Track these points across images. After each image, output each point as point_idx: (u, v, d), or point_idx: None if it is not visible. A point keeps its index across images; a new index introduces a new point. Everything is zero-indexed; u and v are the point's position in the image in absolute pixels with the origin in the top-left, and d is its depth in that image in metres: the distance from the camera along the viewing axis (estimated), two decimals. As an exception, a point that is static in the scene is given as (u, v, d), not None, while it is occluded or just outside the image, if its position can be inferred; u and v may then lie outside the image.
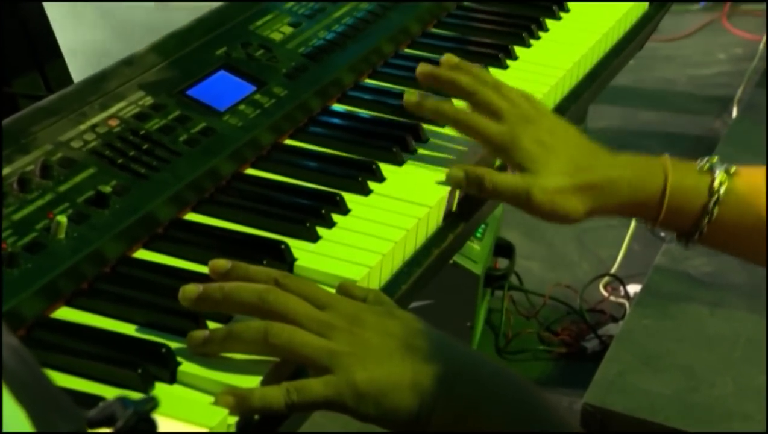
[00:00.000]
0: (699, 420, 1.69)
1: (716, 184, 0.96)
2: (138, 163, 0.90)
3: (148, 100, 0.97)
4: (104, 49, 1.45)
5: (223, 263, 0.81)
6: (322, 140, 1.04)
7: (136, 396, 0.68)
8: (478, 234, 2.08)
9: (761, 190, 0.97)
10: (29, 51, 1.11)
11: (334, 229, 0.91)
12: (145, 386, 0.74)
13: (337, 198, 0.94)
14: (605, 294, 2.27)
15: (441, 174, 0.99)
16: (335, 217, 0.92)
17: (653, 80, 3.18)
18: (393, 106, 1.07)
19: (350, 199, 0.95)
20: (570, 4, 1.33)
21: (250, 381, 0.75)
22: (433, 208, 0.95)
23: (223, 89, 1.01)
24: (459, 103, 1.01)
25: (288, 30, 1.12)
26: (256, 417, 0.76)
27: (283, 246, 0.87)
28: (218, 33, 1.08)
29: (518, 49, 1.22)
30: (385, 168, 0.99)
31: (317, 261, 0.87)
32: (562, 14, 1.31)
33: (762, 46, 3.14)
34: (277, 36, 1.10)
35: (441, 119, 1.02)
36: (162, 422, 0.70)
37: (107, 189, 0.87)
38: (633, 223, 2.40)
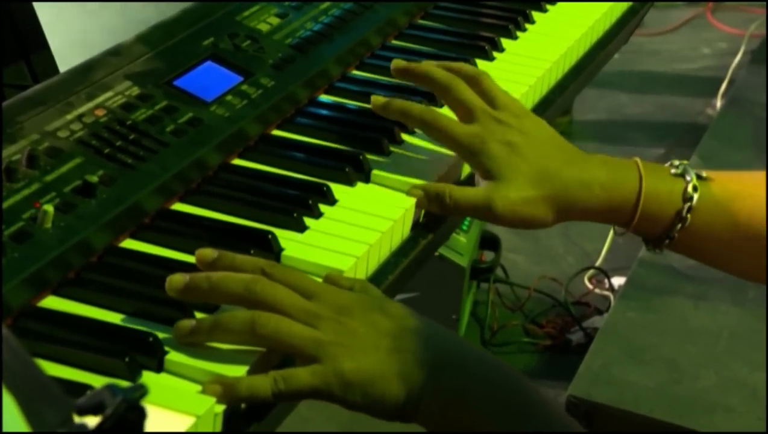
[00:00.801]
0: (683, 412, 1.70)
1: (690, 189, 0.94)
2: (125, 153, 0.90)
3: (135, 91, 0.97)
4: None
5: (209, 252, 0.81)
6: (309, 131, 1.04)
7: (124, 384, 0.68)
8: (464, 227, 2.08)
9: (735, 196, 0.96)
10: (15, 41, 1.10)
11: (321, 220, 0.92)
12: (133, 375, 0.74)
13: (324, 188, 0.94)
14: (590, 287, 2.28)
15: (427, 164, 0.99)
16: (322, 207, 0.93)
17: (639, 74, 3.19)
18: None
19: (337, 189, 0.95)
20: (556, -3, 1.34)
21: (237, 370, 0.75)
22: (409, 208, 0.95)
23: (210, 80, 1.01)
24: (447, 111, 1.00)
25: (275, 21, 1.12)
26: (243, 405, 0.76)
27: (270, 236, 0.87)
28: (205, 24, 1.08)
29: (505, 42, 1.23)
30: (372, 159, 0.99)
31: (304, 252, 0.87)
32: (548, 7, 1.32)
33: (745, 40, 3.16)
34: (264, 27, 1.10)
35: (408, 120, 1.00)
36: (149, 410, 0.71)
37: (94, 179, 0.86)
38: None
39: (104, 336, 0.77)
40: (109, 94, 0.95)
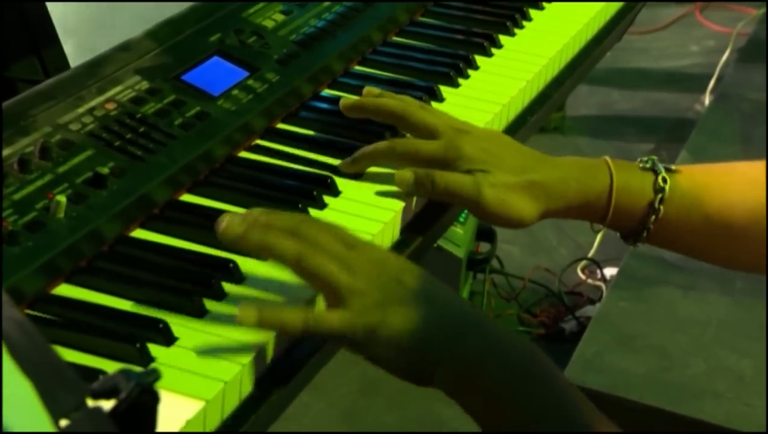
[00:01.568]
0: (672, 398, 1.70)
1: (660, 181, 0.94)
2: (134, 146, 0.90)
3: (144, 85, 0.97)
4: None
5: (258, 210, 0.81)
6: (313, 125, 1.04)
7: (137, 369, 0.68)
8: (461, 219, 2.08)
9: (704, 188, 0.96)
10: (27, 36, 1.10)
11: (325, 211, 0.91)
12: (143, 360, 0.74)
13: (328, 180, 0.94)
14: (583, 277, 2.28)
15: None
16: (326, 198, 0.92)
17: (629, 71, 3.19)
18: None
19: (340, 181, 0.95)
20: (553, -5, 1.34)
21: (241, 360, 0.75)
22: (395, 215, 0.94)
23: (216, 74, 1.01)
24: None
25: (280, 18, 1.11)
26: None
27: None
28: (212, 20, 1.08)
29: (503, 38, 1.22)
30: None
31: None
32: (545, 4, 1.31)
33: (733, 38, 3.16)
34: (269, 23, 1.10)
35: (376, 156, 0.96)
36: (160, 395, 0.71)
37: (105, 170, 0.87)
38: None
39: (115, 322, 0.77)
40: (119, 88, 0.95)
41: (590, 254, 2.31)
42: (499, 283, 2.23)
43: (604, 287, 2.20)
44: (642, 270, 2.07)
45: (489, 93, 1.11)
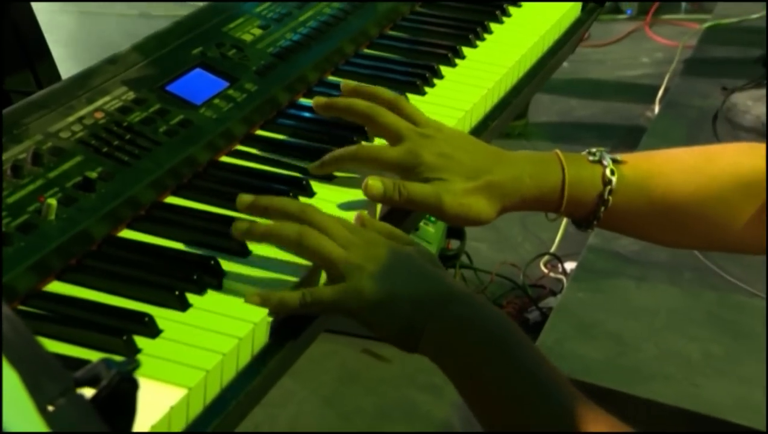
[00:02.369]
0: (626, 380, 1.70)
1: (608, 172, 0.94)
2: (122, 152, 0.89)
3: (131, 95, 0.95)
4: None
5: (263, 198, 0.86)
6: (289, 131, 1.03)
7: (118, 359, 0.67)
8: (432, 219, 2.08)
9: (648, 175, 0.96)
10: (20, 51, 1.09)
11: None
12: (129, 351, 0.73)
13: (303, 182, 0.93)
14: (545, 271, 2.28)
15: None
16: (302, 199, 0.91)
17: (586, 81, 3.20)
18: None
19: (315, 184, 0.94)
20: (512, 9, 1.33)
21: (224, 346, 0.74)
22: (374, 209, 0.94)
23: (199, 85, 1.00)
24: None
25: (258, 32, 1.10)
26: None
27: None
28: (194, 34, 1.07)
29: (466, 50, 1.22)
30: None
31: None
32: (504, 18, 1.31)
33: (679, 51, 3.17)
34: (248, 37, 1.09)
35: (343, 160, 0.95)
36: (144, 383, 0.70)
37: (93, 175, 0.86)
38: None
39: (103, 316, 0.76)
40: (107, 98, 0.94)
41: (552, 249, 2.32)
42: (468, 277, 2.23)
43: (564, 280, 2.20)
44: (599, 263, 2.07)
45: (453, 100, 1.11)
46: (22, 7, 1.14)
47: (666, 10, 3.59)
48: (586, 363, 1.74)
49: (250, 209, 0.84)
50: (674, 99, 2.81)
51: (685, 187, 0.96)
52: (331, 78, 1.13)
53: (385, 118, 0.94)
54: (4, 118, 0.88)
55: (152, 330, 0.75)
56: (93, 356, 0.72)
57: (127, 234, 0.86)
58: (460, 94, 1.12)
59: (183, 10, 1.12)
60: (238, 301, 0.79)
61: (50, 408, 0.50)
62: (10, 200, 0.81)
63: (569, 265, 2.22)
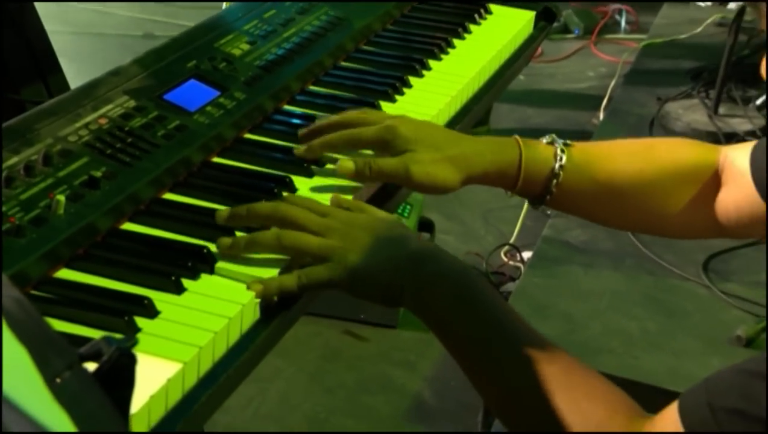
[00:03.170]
0: (576, 354, 1.64)
1: (558, 152, 0.95)
2: (123, 154, 0.88)
3: (132, 103, 0.94)
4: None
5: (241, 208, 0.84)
6: (275, 134, 1.02)
7: (118, 337, 0.66)
8: (405, 214, 2.07)
9: (594, 160, 0.96)
10: (33, 65, 1.08)
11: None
12: (131, 331, 0.72)
13: (287, 180, 0.93)
14: (505, 259, 2.28)
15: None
16: (286, 194, 0.90)
17: (540, 92, 3.21)
18: (332, 107, 1.05)
19: (297, 180, 0.93)
20: (472, 27, 1.32)
21: (216, 325, 0.73)
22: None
23: (193, 94, 0.99)
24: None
25: (246, 47, 1.09)
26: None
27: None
28: (189, 49, 1.06)
29: (432, 62, 1.21)
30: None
31: None
32: (465, 35, 1.30)
33: (620, 66, 3.19)
34: (237, 51, 1.08)
35: (329, 149, 0.95)
36: (144, 358, 0.69)
37: (98, 174, 0.85)
38: (526, 205, 2.41)
39: (107, 299, 0.75)
40: (110, 106, 0.93)
41: (511, 241, 2.32)
42: (436, 266, 2.22)
43: (522, 267, 2.20)
44: (552, 252, 2.08)
45: (421, 107, 1.10)
46: (36, 27, 1.13)
47: (608, 31, 3.61)
48: (540, 340, 1.74)
49: (229, 222, 0.83)
50: (616, 108, 2.82)
51: (627, 170, 0.96)
52: (312, 87, 1.13)
53: (357, 115, 0.95)
54: (19, 124, 0.87)
55: (151, 311, 0.74)
56: (99, 335, 0.70)
57: (128, 226, 0.85)
58: (426, 101, 1.12)
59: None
60: (229, 285, 0.78)
61: (57, 380, 0.49)
62: (24, 197, 0.80)
63: (526, 254, 2.22)
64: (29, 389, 0.48)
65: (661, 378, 1.65)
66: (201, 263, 0.79)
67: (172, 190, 0.90)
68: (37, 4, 1.11)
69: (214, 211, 0.87)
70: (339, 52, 1.19)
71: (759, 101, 2.65)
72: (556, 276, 1.99)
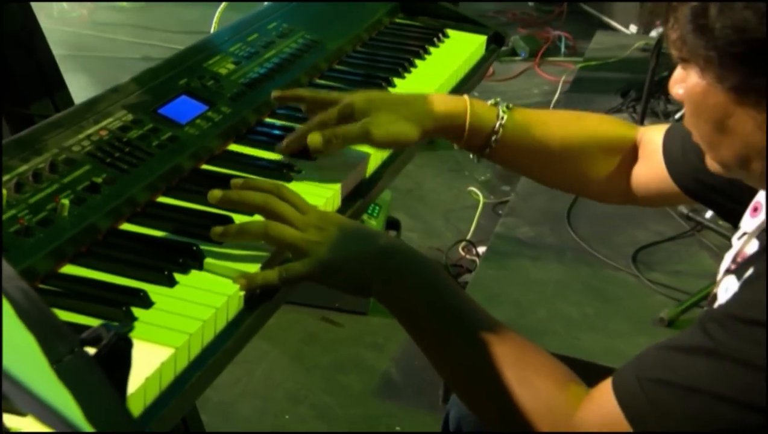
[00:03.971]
0: (525, 336, 1.71)
1: (500, 112, 0.97)
2: (122, 162, 0.87)
3: (129, 117, 0.93)
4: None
5: (237, 181, 0.84)
6: (257, 144, 1.01)
7: (116, 324, 0.65)
8: (375, 214, 2.07)
9: (531, 122, 0.98)
10: (41, 83, 1.06)
11: None
12: (128, 319, 0.71)
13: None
14: (462, 253, 2.28)
15: (340, 162, 0.97)
16: (279, 183, 0.89)
17: (492, 107, 3.22)
18: (308, 120, 1.04)
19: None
20: (432, 49, 1.32)
21: (204, 314, 0.72)
22: (336, 192, 0.93)
23: (184, 108, 0.98)
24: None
25: (231, 66, 1.09)
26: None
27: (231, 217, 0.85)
28: (181, 69, 1.05)
29: (396, 80, 1.21)
30: (302, 163, 0.97)
31: None
32: (426, 56, 1.30)
33: (560, 85, 3.21)
34: (223, 71, 1.07)
35: (302, 135, 0.95)
36: (141, 344, 0.68)
37: (99, 180, 0.84)
38: (480, 206, 2.42)
39: (107, 292, 0.74)
40: (110, 119, 0.92)
41: (468, 237, 2.32)
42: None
43: (477, 260, 2.20)
44: (503, 247, 2.08)
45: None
46: (44, 50, 1.11)
47: (550, 54, 3.64)
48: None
49: (222, 203, 0.82)
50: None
51: (558, 134, 0.98)
52: (291, 102, 1.12)
53: (324, 95, 0.95)
54: (28, 136, 0.86)
55: (146, 302, 0.73)
56: (98, 323, 0.70)
57: (126, 227, 0.84)
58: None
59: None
60: (216, 279, 0.77)
61: (61, 363, 0.48)
62: (32, 201, 0.79)
63: (481, 249, 2.23)
64: (36, 371, 0.47)
65: (598, 356, 1.66)
66: (191, 259, 0.79)
67: (166, 194, 0.89)
68: (51, 32, 1.09)
69: (203, 212, 0.87)
70: (314, 71, 1.19)
71: (677, 115, 2.71)
72: (507, 268, 2.00)
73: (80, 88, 1.05)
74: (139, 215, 0.85)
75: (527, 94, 3.35)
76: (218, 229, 0.80)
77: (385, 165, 1.03)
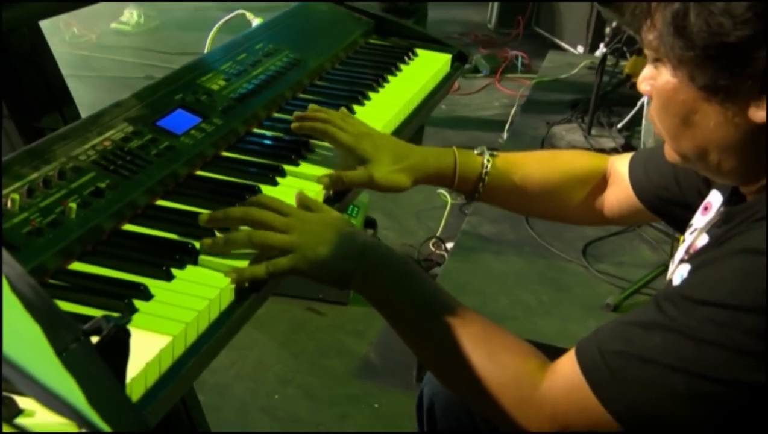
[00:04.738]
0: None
1: (485, 161, 0.98)
2: (124, 169, 0.86)
3: (130, 129, 0.92)
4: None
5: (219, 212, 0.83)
6: (246, 152, 1.00)
7: (115, 316, 0.64)
8: (354, 214, 2.06)
9: (511, 167, 0.99)
10: (51, 99, 1.04)
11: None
12: (129, 311, 0.70)
13: (256, 188, 0.91)
14: (433, 249, 2.28)
15: (322, 168, 0.96)
16: (259, 195, 0.88)
17: (458, 118, 3.23)
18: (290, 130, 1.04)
19: (264, 188, 0.92)
20: (402, 66, 1.32)
21: (199, 305, 0.71)
22: (318, 195, 0.92)
23: (180, 120, 0.97)
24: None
25: (222, 83, 1.07)
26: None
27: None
28: (177, 85, 1.03)
29: (371, 94, 1.20)
30: (287, 168, 0.96)
31: None
32: (397, 72, 1.30)
33: (518, 99, 3.22)
34: (215, 86, 1.06)
35: (312, 132, 0.98)
36: (141, 333, 0.67)
37: (103, 185, 0.82)
38: (448, 206, 2.42)
39: (111, 286, 0.73)
40: (113, 131, 0.90)
41: (438, 234, 2.32)
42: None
43: (446, 255, 2.21)
44: (469, 243, 2.09)
45: (363, 127, 1.09)
46: (53, 68, 1.09)
47: (508, 71, 3.66)
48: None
49: (209, 224, 0.81)
50: (516, 130, 2.86)
51: (535, 173, 1.00)
52: (276, 114, 1.11)
53: (338, 136, 0.96)
54: (39, 147, 0.84)
55: (146, 295, 0.72)
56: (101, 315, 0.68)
57: (128, 227, 0.83)
58: (368, 123, 1.11)
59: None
60: (209, 273, 0.76)
61: (65, 351, 0.47)
62: (42, 204, 0.77)
63: (449, 245, 2.23)
64: (42, 360, 0.46)
65: (553, 338, 1.67)
66: (187, 256, 0.78)
67: (164, 198, 0.88)
68: (63, 54, 1.07)
69: (198, 214, 0.85)
70: (297, 87, 1.18)
71: (620, 125, 2.74)
72: (472, 262, 2.00)
73: (86, 104, 1.03)
74: (139, 217, 0.84)
75: (488, 107, 3.36)
76: (207, 241, 0.79)
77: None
